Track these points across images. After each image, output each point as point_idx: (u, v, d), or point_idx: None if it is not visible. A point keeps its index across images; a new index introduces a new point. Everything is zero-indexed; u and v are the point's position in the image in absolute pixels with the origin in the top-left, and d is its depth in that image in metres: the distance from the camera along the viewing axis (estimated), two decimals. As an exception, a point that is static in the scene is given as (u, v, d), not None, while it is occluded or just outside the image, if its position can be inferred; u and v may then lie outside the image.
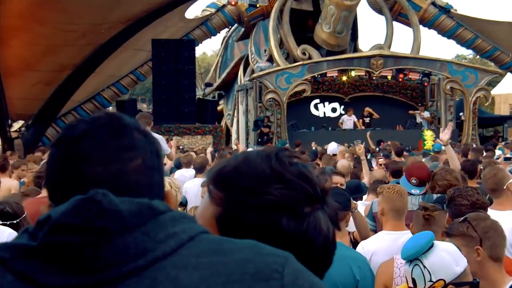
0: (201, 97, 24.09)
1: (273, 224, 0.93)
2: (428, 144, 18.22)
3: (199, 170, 7.40)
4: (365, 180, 7.02)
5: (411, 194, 4.85)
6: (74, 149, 0.95)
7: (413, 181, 4.88)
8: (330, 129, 21.57)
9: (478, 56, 32.51)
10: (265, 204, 0.94)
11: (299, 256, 0.89)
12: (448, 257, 2.27)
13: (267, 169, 0.97)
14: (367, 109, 22.10)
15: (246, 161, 0.99)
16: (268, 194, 0.94)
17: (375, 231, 4.43)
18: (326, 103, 22.75)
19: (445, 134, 5.79)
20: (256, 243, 0.87)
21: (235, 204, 0.95)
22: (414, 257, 2.31)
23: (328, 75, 21.08)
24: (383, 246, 3.70)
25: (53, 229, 0.82)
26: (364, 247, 3.83)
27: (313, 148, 13.85)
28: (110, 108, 25.10)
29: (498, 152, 11.51)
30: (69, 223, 0.81)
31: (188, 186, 7.05)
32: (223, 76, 26.30)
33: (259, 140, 19.94)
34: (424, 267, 2.27)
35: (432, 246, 2.31)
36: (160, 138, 7.81)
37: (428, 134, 18.43)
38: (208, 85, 26.60)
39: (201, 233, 0.88)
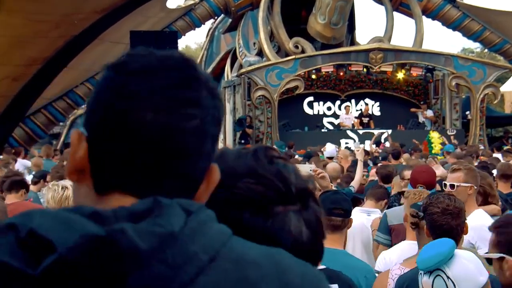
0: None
1: (236, 219, 0.98)
2: (436, 148, 18.30)
3: None
4: (353, 182, 7.03)
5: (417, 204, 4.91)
6: (127, 83, 0.89)
7: (420, 188, 4.90)
8: (325, 129, 21.64)
9: (486, 50, 32.72)
10: (231, 198, 1.00)
11: None
12: (471, 267, 2.28)
13: (241, 165, 1.03)
14: (366, 108, 22.20)
15: (223, 156, 1.06)
16: (236, 188, 1.01)
17: (390, 246, 4.46)
18: (321, 101, 22.83)
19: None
20: (278, 262, 0.87)
21: None
22: (435, 267, 2.31)
23: (323, 70, 21.15)
24: (405, 257, 3.75)
25: (57, 264, 0.76)
26: (385, 258, 3.87)
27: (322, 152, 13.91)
28: (84, 106, 25.01)
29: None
30: (78, 262, 0.76)
31: None
32: (208, 71, 26.25)
33: (241, 141, 19.95)
34: (448, 278, 2.27)
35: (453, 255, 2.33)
36: None
37: (435, 136, 18.51)
38: (192, 81, 26.55)
39: (222, 245, 0.85)
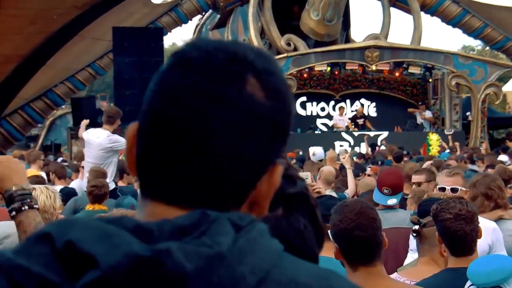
0: (170, 94, 24.00)
1: None
2: (434, 150, 18.37)
3: None
4: (348, 191, 7.06)
5: (388, 207, 4.91)
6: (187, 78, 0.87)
7: (385, 190, 4.92)
8: (319, 131, 21.67)
9: (487, 48, 32.89)
10: None
11: None
12: None
13: None
14: (360, 109, 22.22)
15: None
16: None
17: None
18: (314, 102, 22.86)
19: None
20: (330, 285, 0.86)
21: None
22: (496, 284, 2.32)
23: (316, 69, 21.19)
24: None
25: (98, 281, 0.76)
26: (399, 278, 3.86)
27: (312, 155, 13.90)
28: (64, 107, 24.94)
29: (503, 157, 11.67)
30: (120, 282, 0.76)
31: None
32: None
33: None
34: None
35: None
36: (120, 139, 7.89)
37: (433, 138, 18.58)
38: (178, 80, 26.56)
39: (272, 266, 0.83)
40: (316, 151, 11.29)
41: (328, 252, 3.26)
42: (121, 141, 7.92)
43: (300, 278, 0.84)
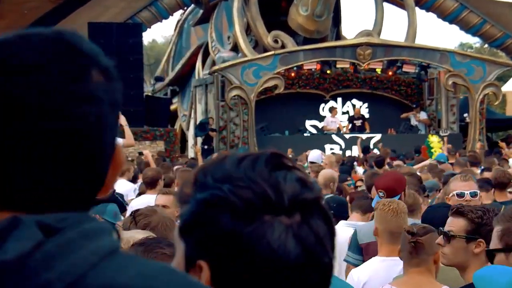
0: (150, 94, 23.99)
1: (211, 219, 1.01)
2: (437, 152, 18.39)
3: (151, 185, 7.32)
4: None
5: None
6: (9, 87, 0.86)
7: (380, 193, 4.89)
8: (308, 133, 21.67)
9: (486, 45, 33.07)
10: (208, 198, 1.03)
11: (236, 265, 0.98)
12: None
13: (237, 170, 1.05)
14: (358, 109, 22.25)
15: (224, 160, 1.08)
16: (218, 190, 1.03)
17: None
18: (303, 102, 22.86)
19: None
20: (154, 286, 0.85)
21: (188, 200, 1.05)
22: None
23: (305, 67, 21.20)
24: (377, 275, 3.72)
25: None
26: (354, 277, 3.84)
27: (290, 156, 13.89)
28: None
29: None
30: None
31: (135, 206, 6.81)
32: (177, 68, 26.20)
33: (204, 147, 19.92)
34: None
35: None
36: None
37: (434, 141, 18.63)
38: (158, 79, 26.52)
39: (89, 269, 0.82)
40: (311, 154, 11.29)
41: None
42: None
43: (118, 280, 0.82)
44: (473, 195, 4.74)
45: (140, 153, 11.75)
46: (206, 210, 1.02)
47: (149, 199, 6.56)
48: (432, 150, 17.49)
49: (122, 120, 8.38)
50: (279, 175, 1.04)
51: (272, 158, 1.08)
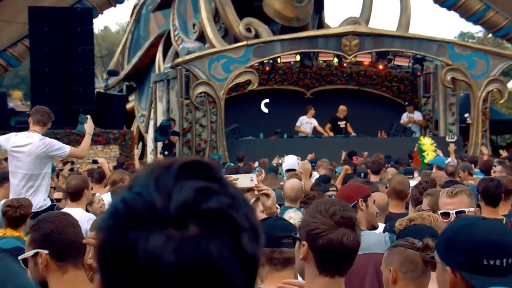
0: (102, 90, 23.83)
1: (108, 228, 1.13)
2: (429, 156, 18.45)
3: (74, 196, 7.19)
4: None
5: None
6: None
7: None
8: (285, 136, 21.67)
9: (490, 35, 33.41)
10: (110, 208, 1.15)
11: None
12: None
13: (144, 175, 1.17)
14: (342, 108, 22.20)
15: (147, 168, 1.18)
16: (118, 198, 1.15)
17: None
18: (280, 101, 22.87)
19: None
20: None
21: None
22: None
23: (282, 60, 21.22)
24: None
25: None
26: None
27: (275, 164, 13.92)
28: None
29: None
30: None
31: None
32: (134, 61, 26.10)
33: (165, 153, 19.87)
34: None
35: None
36: (55, 143, 7.85)
37: (426, 143, 18.66)
38: (112, 73, 26.35)
39: None
40: (287, 159, 11.30)
41: (273, 283, 3.24)
42: (57, 146, 7.83)
43: None
44: (460, 214, 4.62)
45: (94, 161, 11.59)
46: (108, 218, 1.13)
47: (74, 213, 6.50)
48: (424, 154, 17.46)
49: (88, 126, 8.33)
50: (183, 184, 1.11)
51: (187, 166, 1.14)
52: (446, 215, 4.64)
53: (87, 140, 8.24)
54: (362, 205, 4.86)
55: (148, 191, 1.10)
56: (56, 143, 7.89)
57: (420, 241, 3.35)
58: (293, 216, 6.15)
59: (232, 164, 14.71)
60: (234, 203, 1.12)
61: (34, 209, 6.58)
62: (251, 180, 4.49)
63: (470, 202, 4.71)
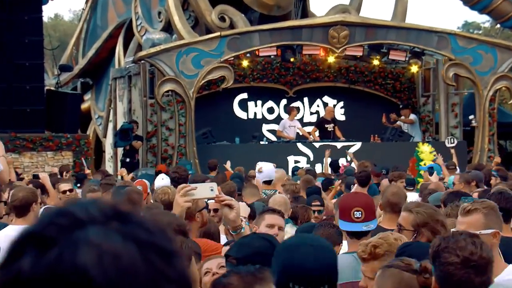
0: (53, 88, 23.74)
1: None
2: (427, 164, 18.50)
3: (20, 211, 7.14)
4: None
5: (358, 233, 5.05)
6: None
7: (357, 214, 5.09)
8: (265, 141, 21.69)
9: (498, 25, 33.63)
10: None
11: None
12: None
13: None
14: (330, 109, 22.24)
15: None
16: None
17: None
18: (259, 100, 22.90)
19: None
20: None
21: None
22: None
23: (261, 54, 21.25)
24: None
25: None
26: None
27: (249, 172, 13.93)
28: None
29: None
30: None
31: None
32: (90, 54, 26.02)
33: (126, 159, 19.81)
34: None
35: None
36: None
37: (425, 151, 18.71)
38: (64, 68, 26.26)
39: None
40: (264, 167, 11.31)
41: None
42: None
43: None
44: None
45: (35, 176, 11.49)
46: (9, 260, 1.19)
47: (17, 230, 6.40)
48: (422, 164, 17.46)
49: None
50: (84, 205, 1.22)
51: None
52: None
53: (3, 162, 8.05)
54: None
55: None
56: None
57: (418, 262, 3.41)
58: (289, 231, 6.22)
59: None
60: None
61: None
62: (212, 189, 4.57)
63: (486, 223, 4.65)
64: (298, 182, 11.47)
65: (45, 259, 1.13)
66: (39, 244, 1.15)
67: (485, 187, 10.80)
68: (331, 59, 22.18)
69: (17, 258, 1.15)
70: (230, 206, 4.52)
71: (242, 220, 4.76)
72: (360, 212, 5.09)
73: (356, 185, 11.58)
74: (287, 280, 2.86)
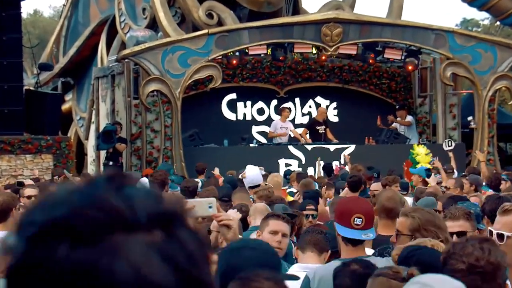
0: (32, 88, 23.71)
1: (43, 258, 1.12)
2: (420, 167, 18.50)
3: (1, 215, 7.14)
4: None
5: (355, 240, 5.07)
6: None
7: (357, 221, 5.12)
8: (255, 143, 21.68)
9: (497, 23, 33.71)
10: (39, 232, 1.15)
11: None
12: None
13: (75, 197, 1.18)
14: (322, 110, 22.26)
15: (56, 190, 1.22)
16: (48, 217, 1.15)
17: None
18: (249, 101, 22.90)
19: None
20: None
21: None
22: None
23: (251, 52, 21.25)
24: None
25: None
26: None
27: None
28: None
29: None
30: None
31: None
32: (71, 53, 25.98)
33: (109, 163, 19.79)
34: None
35: None
36: None
37: (421, 152, 18.69)
38: (44, 67, 26.23)
39: None
40: (248, 172, 11.25)
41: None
42: None
43: None
44: (461, 235, 4.83)
45: (20, 184, 11.39)
46: (37, 245, 1.13)
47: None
48: (417, 166, 17.41)
49: None
50: (128, 191, 1.18)
51: (115, 177, 1.21)
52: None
53: None
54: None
55: (100, 201, 1.14)
56: None
57: (406, 269, 3.41)
58: None
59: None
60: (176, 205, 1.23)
61: None
62: (210, 207, 4.39)
63: (471, 226, 4.87)
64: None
65: (79, 254, 1.11)
66: (72, 235, 1.12)
67: (491, 191, 10.83)
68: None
69: (50, 242, 1.12)
70: (228, 226, 4.40)
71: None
72: (360, 220, 5.11)
73: (346, 189, 11.52)
74: (228, 282, 2.92)
